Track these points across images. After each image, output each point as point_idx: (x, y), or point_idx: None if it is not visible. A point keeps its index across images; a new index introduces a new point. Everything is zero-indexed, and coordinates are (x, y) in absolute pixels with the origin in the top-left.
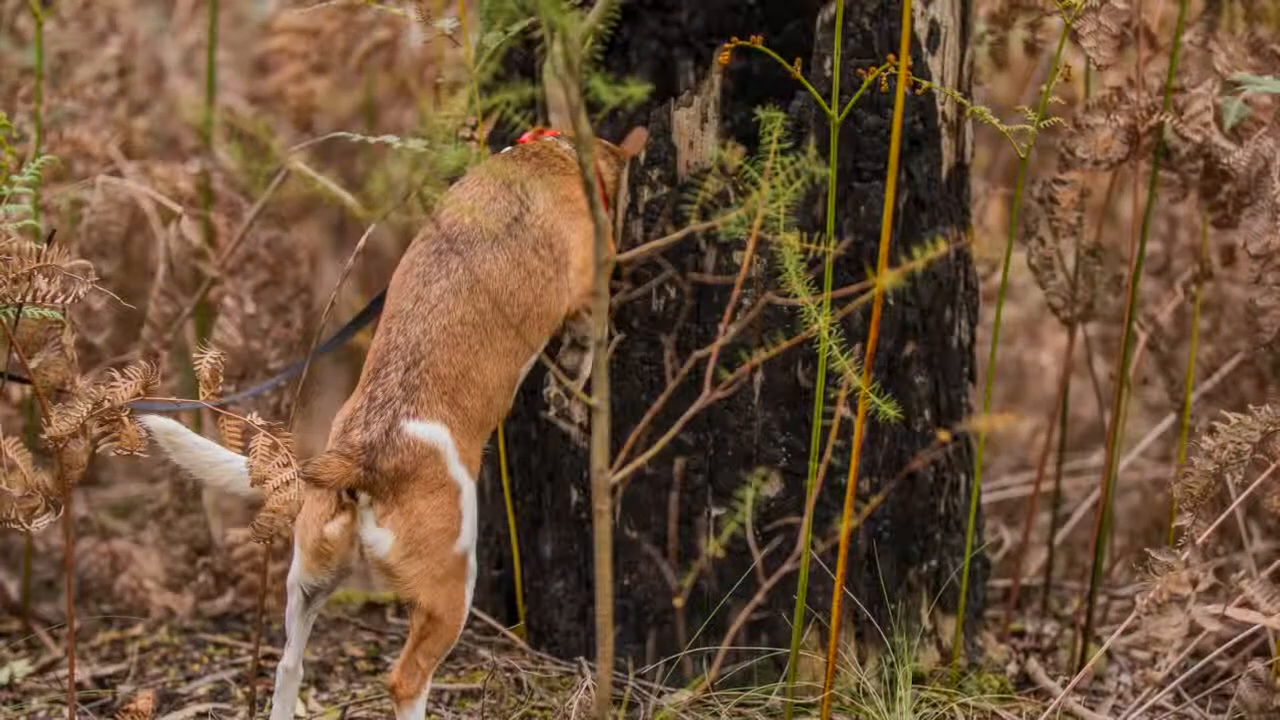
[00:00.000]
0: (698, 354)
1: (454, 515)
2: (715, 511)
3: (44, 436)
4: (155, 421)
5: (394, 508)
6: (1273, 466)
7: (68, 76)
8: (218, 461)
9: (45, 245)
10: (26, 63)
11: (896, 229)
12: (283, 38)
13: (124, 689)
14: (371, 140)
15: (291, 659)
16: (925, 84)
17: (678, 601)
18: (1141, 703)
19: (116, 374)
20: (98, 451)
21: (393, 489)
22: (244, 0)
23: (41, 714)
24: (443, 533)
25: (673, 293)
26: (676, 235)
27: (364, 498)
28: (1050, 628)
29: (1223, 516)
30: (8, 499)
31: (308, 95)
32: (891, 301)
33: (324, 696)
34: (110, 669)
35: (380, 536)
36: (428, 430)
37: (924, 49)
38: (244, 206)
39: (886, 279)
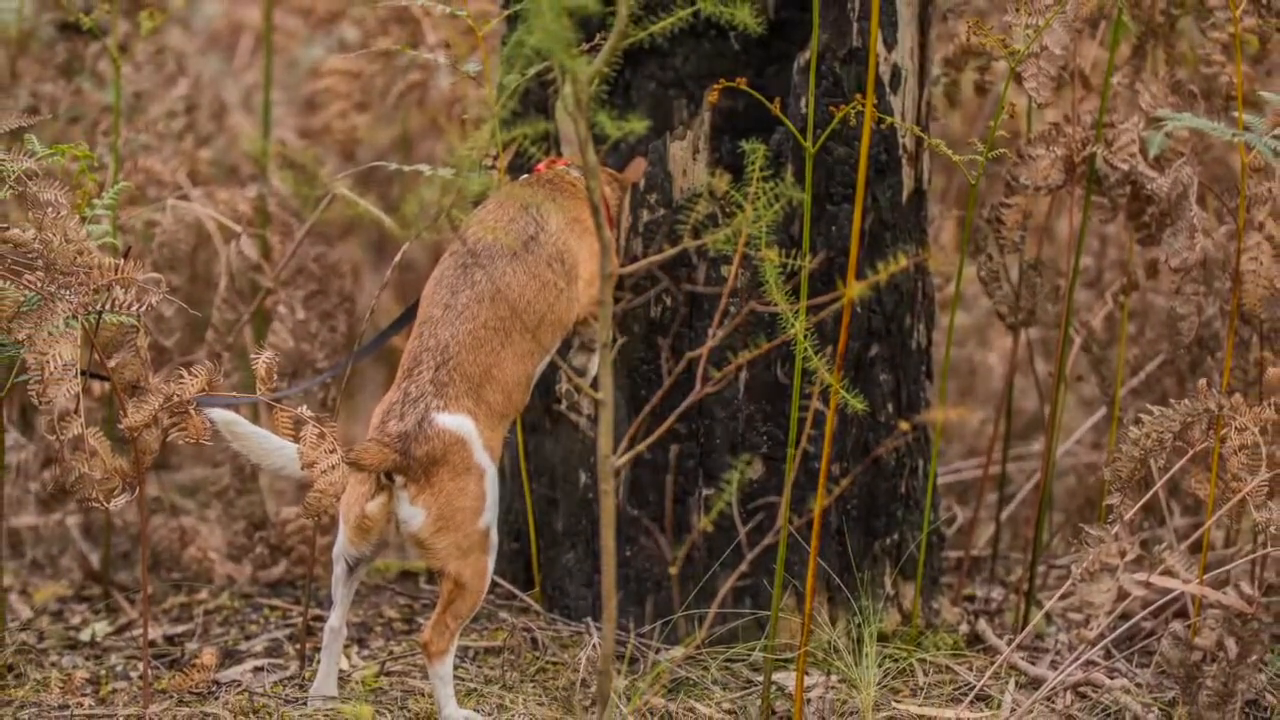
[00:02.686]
0: (690, 354)
1: (478, 495)
2: (705, 492)
3: (121, 426)
4: (218, 413)
5: (426, 489)
6: (1190, 452)
7: (141, 113)
8: (273, 448)
9: (122, 260)
10: (106, 101)
11: (864, 246)
12: (329, 79)
13: (191, 646)
14: (406, 169)
15: (336, 620)
16: (888, 119)
17: (672, 570)
18: (1076, 658)
19: (185, 372)
20: (168, 439)
21: (425, 472)
22: (297, 46)
23: (119, 668)
24: (469, 510)
25: (669, 301)
26: (672, 251)
27: (399, 480)
28: (997, 593)
29: (1147, 496)
30: (89, 481)
31: (350, 129)
32: (859, 309)
33: (364, 653)
34: (179, 629)
35: (414, 514)
36: (455, 421)
37: (887, 89)
38: (295, 226)
39: (854, 289)
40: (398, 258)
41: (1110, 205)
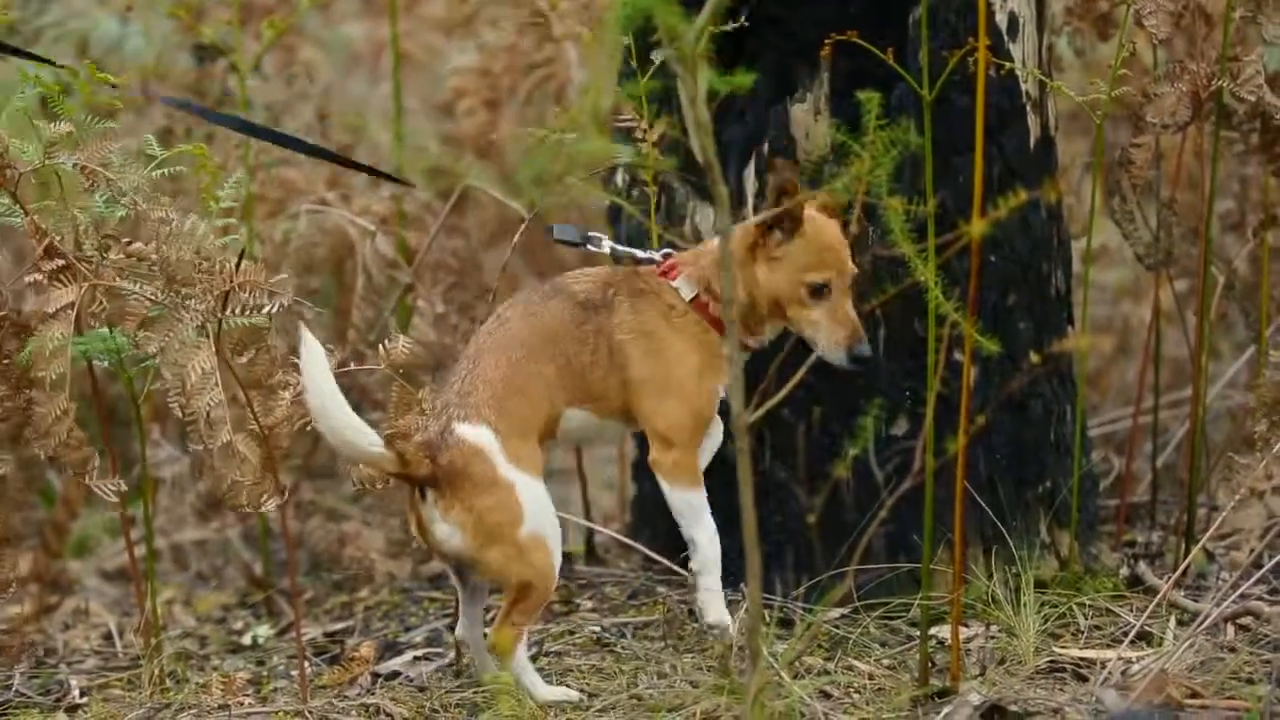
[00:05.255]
0: None
1: (513, 506)
2: (852, 452)
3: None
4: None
5: (455, 504)
6: None
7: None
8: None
9: (234, 265)
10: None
11: (991, 194)
12: (457, 79)
13: (351, 641)
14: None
15: (459, 630)
16: (1006, 65)
17: (810, 519)
18: (1232, 584)
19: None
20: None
21: (451, 485)
22: (435, 61)
23: (281, 668)
24: (505, 524)
25: None
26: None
27: (431, 495)
28: (1157, 536)
29: None
30: (240, 488)
31: (481, 125)
32: (993, 258)
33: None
34: (339, 626)
35: (450, 532)
36: (474, 431)
37: (1005, 37)
38: (431, 223)
39: (978, 227)
40: (517, 237)
41: (1242, 140)
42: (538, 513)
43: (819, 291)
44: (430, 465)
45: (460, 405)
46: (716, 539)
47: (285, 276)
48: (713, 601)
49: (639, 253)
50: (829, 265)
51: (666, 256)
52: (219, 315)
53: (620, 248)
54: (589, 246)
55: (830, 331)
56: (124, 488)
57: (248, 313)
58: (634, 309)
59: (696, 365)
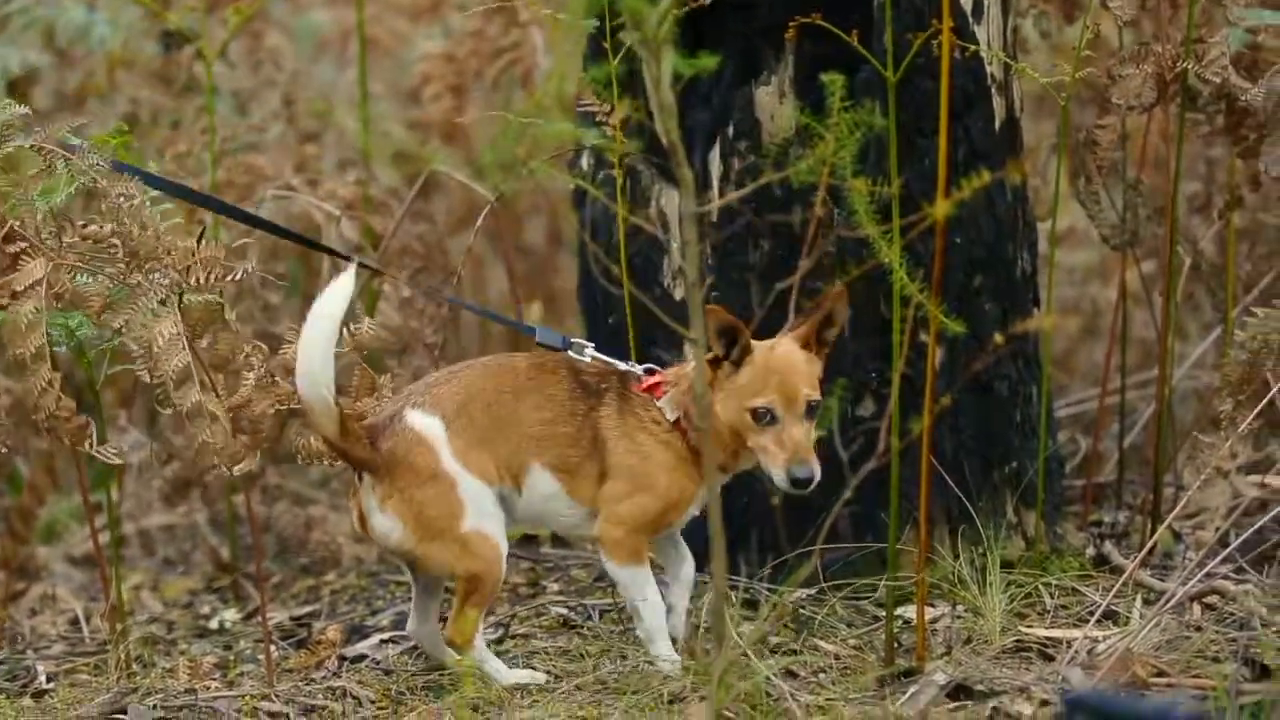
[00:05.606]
0: (779, 285)
1: (453, 503)
2: (817, 432)
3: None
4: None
5: (393, 494)
6: None
7: (243, 114)
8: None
9: (197, 243)
10: (204, 104)
11: (956, 175)
12: (424, 64)
13: (318, 625)
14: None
15: (409, 624)
16: (971, 47)
17: (773, 501)
18: (1198, 563)
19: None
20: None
21: (390, 473)
22: (402, 47)
23: (248, 652)
24: (444, 517)
25: (766, 246)
26: (753, 185)
27: (369, 481)
28: (1123, 516)
29: (1264, 403)
30: (210, 449)
31: (447, 111)
32: (959, 240)
33: (491, 620)
34: (306, 609)
35: (390, 525)
36: (423, 420)
37: (969, 19)
38: (397, 208)
39: (942, 208)
40: (479, 222)
41: (1207, 121)
42: (480, 510)
43: (763, 417)
44: (368, 448)
45: (422, 393)
46: (660, 607)
47: (248, 241)
48: (664, 666)
49: (620, 364)
50: (773, 390)
51: (649, 372)
52: (182, 285)
53: (602, 356)
54: (570, 352)
55: (773, 456)
56: (125, 448)
57: (213, 281)
58: (620, 411)
59: (671, 463)
